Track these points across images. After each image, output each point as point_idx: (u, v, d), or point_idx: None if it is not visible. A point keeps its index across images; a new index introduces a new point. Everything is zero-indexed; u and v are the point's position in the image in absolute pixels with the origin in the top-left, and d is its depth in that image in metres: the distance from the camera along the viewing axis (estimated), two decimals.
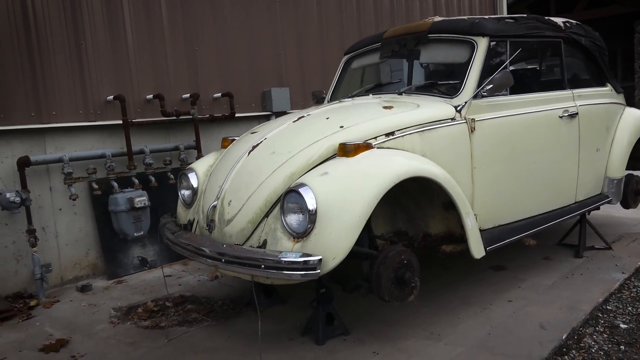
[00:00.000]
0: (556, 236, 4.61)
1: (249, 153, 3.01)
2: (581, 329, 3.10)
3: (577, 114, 3.75)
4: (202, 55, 5.01)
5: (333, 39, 6.21)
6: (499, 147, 3.30)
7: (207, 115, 4.97)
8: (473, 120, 3.17)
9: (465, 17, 3.53)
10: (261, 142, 3.04)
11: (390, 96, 3.52)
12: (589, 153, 3.91)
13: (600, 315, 3.29)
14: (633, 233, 4.78)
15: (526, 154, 3.45)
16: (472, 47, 3.32)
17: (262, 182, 2.79)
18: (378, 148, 2.83)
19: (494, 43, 3.36)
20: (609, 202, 4.14)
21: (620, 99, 4.35)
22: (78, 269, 4.35)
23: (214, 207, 2.93)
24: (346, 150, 2.72)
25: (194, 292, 3.96)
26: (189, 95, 4.82)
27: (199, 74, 5.00)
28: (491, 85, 3.16)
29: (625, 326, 3.14)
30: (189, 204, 3.39)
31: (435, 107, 3.16)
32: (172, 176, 4.62)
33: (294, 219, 2.58)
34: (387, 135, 2.92)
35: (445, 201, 3.13)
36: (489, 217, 3.30)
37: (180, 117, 4.72)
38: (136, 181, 4.35)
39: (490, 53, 3.34)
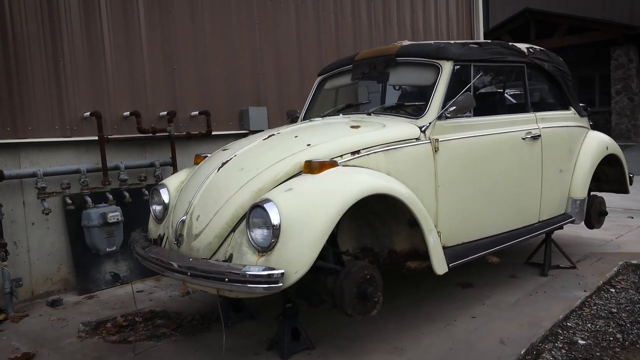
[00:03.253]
0: (523, 255, 4.72)
1: (219, 169, 3.08)
2: (540, 344, 3.18)
3: (539, 135, 3.89)
4: (181, 73, 5.10)
5: (311, 60, 6.35)
6: (463, 167, 3.41)
7: (184, 133, 5.04)
8: (437, 140, 3.28)
9: (432, 42, 3.67)
10: (231, 159, 3.12)
11: (359, 116, 3.63)
12: (552, 174, 4.04)
13: (560, 331, 3.38)
14: (598, 253, 4.90)
15: (490, 173, 3.57)
16: (437, 70, 3.45)
17: (230, 197, 2.86)
18: (343, 166, 2.92)
19: (458, 67, 3.49)
20: (572, 222, 4.26)
21: (584, 122, 4.51)
22: (49, 283, 4.35)
23: (183, 221, 2.98)
24: (311, 167, 2.80)
25: (165, 307, 3.98)
26: (166, 112, 4.89)
27: (177, 92, 5.08)
28: (454, 107, 3.28)
29: (584, 342, 3.23)
30: (160, 219, 3.44)
31: (400, 127, 3.27)
32: (146, 192, 4.66)
33: (259, 234, 2.64)
34: (352, 153, 3.01)
35: (410, 218, 3.21)
36: (453, 235, 3.39)
37: (157, 134, 4.78)
38: (110, 197, 4.39)
39: (455, 76, 3.47)
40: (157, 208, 3.47)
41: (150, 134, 4.74)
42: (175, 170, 4.90)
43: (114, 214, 4.23)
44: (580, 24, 16.94)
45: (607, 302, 3.82)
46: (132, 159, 4.78)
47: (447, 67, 3.43)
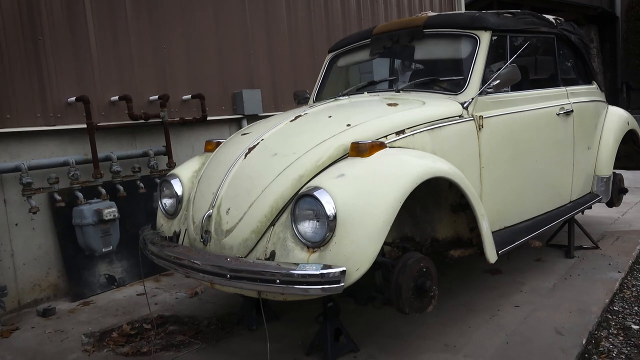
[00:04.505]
0: (541, 237, 4.53)
1: (246, 156, 2.72)
2: (596, 332, 2.99)
3: (572, 111, 3.68)
4: (170, 53, 4.65)
5: (302, 38, 5.98)
6: (505, 146, 3.16)
7: (178, 119, 4.61)
8: (481, 117, 3.01)
9: (462, 12, 3.39)
10: (258, 143, 2.76)
11: (389, 94, 3.32)
12: (582, 151, 3.86)
13: (610, 316, 3.20)
14: (614, 231, 4.79)
15: (528, 152, 3.34)
16: (474, 42, 3.18)
17: (266, 187, 2.51)
18: (390, 147, 2.62)
19: (495, 37, 3.22)
20: (599, 201, 4.10)
21: (603, 97, 4.35)
22: (38, 290, 3.88)
23: (209, 216, 2.62)
24: (360, 149, 2.48)
25: (174, 311, 3.60)
26: (157, 96, 4.45)
27: (167, 74, 4.63)
28: (498, 81, 3.02)
29: (637, 327, 3.06)
30: (171, 214, 3.07)
31: (442, 104, 2.99)
32: (141, 185, 4.22)
33: (308, 227, 2.32)
34: (397, 133, 2.71)
35: (453, 203, 2.96)
36: (496, 219, 3.15)
37: (150, 121, 4.34)
38: (103, 191, 3.94)
39: (491, 48, 3.20)
40: (168, 202, 3.09)
41: (142, 120, 4.29)
42: (170, 160, 4.47)
43: (110, 210, 3.79)
44: (542, 5, 16.97)
45: None
46: (121, 148, 4.33)
47: (485, 38, 3.15)
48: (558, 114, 3.56)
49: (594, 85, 4.17)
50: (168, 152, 4.47)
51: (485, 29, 3.16)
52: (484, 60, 3.12)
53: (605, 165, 4.10)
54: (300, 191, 2.41)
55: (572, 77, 4.00)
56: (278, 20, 5.70)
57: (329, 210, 2.23)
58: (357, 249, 2.22)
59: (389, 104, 2.98)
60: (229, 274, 2.34)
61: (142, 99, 4.44)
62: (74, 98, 3.95)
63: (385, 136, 2.67)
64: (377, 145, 2.51)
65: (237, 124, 5.28)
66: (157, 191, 4.25)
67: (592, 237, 4.33)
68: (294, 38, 5.89)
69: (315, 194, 2.27)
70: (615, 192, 4.36)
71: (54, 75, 3.90)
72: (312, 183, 2.39)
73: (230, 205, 2.58)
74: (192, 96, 4.73)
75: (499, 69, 3.14)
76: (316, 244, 2.28)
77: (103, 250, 3.84)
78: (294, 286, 2.20)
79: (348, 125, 2.70)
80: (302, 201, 2.32)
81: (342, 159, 2.54)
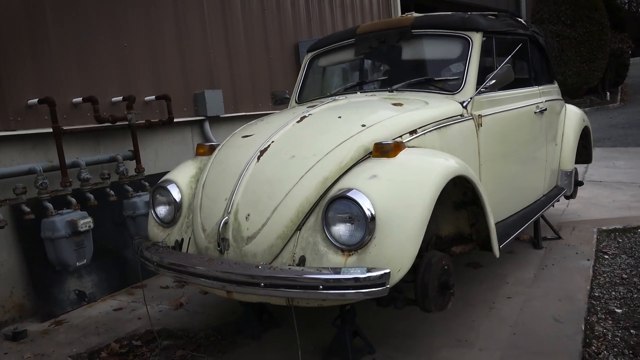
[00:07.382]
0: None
1: (259, 159, 2.62)
2: (588, 317, 3.17)
3: (546, 109, 3.88)
4: (132, 52, 4.38)
5: (257, 37, 5.86)
6: (498, 143, 3.28)
7: (144, 121, 4.35)
8: (480, 116, 3.10)
9: (450, 13, 3.47)
10: (269, 145, 2.67)
11: (385, 94, 3.33)
12: (552, 147, 4.08)
13: (594, 302, 3.40)
14: (567, 222, 5.10)
15: (515, 149, 3.49)
16: (466, 43, 3.26)
17: (289, 190, 2.44)
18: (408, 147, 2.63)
19: (484, 39, 3.33)
20: (564, 194, 4.35)
21: (560, 95, 4.62)
22: (2, 312, 3.52)
23: (225, 223, 2.50)
24: (384, 150, 2.47)
25: (162, 325, 3.40)
26: (121, 98, 4.18)
27: (130, 74, 4.36)
28: (494, 81, 3.11)
29: (620, 310, 3.27)
30: (168, 223, 2.89)
31: (444, 104, 3.04)
32: (112, 192, 3.94)
33: (343, 230, 2.27)
34: (410, 133, 2.73)
35: (456, 201, 3.02)
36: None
37: (117, 124, 4.06)
38: (74, 200, 3.63)
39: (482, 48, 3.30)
40: (164, 209, 2.92)
41: (109, 124, 4.02)
42: (139, 165, 4.22)
43: (85, 221, 3.50)
44: (454, 9, 17.80)
45: (612, 268, 3.94)
46: (84, 153, 4.02)
47: (477, 39, 3.25)
48: (535, 112, 3.75)
49: (555, 84, 4.43)
50: (136, 156, 4.21)
51: (477, 30, 3.26)
52: (478, 60, 3.22)
53: (569, 160, 4.36)
54: (330, 193, 2.36)
55: (540, 76, 4.21)
56: (234, 18, 5.55)
57: (368, 211, 2.20)
58: (398, 250, 2.21)
59: (394, 104, 2.99)
60: (263, 282, 2.25)
61: (104, 100, 4.15)
62: (36, 100, 3.61)
63: (401, 136, 2.68)
64: (399, 146, 2.51)
65: (199, 126, 5.08)
66: (127, 198, 4.03)
67: (555, 228, 4.59)
68: (249, 36, 5.75)
69: (351, 195, 2.23)
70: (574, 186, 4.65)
71: (13, 73, 3.55)
72: (343, 184, 2.35)
73: (249, 211, 2.47)
74: (156, 97, 4.49)
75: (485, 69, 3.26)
76: (352, 247, 2.24)
77: (77, 264, 3.54)
78: (336, 291, 2.15)
79: (363, 125, 2.67)
80: (338, 203, 2.27)
81: (364, 160, 2.51)
